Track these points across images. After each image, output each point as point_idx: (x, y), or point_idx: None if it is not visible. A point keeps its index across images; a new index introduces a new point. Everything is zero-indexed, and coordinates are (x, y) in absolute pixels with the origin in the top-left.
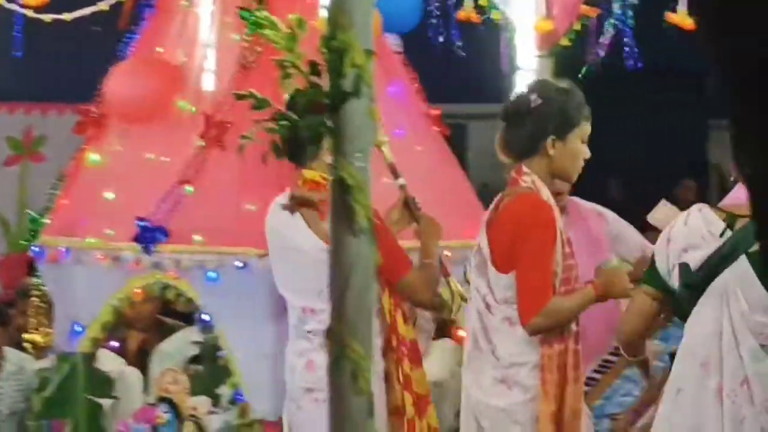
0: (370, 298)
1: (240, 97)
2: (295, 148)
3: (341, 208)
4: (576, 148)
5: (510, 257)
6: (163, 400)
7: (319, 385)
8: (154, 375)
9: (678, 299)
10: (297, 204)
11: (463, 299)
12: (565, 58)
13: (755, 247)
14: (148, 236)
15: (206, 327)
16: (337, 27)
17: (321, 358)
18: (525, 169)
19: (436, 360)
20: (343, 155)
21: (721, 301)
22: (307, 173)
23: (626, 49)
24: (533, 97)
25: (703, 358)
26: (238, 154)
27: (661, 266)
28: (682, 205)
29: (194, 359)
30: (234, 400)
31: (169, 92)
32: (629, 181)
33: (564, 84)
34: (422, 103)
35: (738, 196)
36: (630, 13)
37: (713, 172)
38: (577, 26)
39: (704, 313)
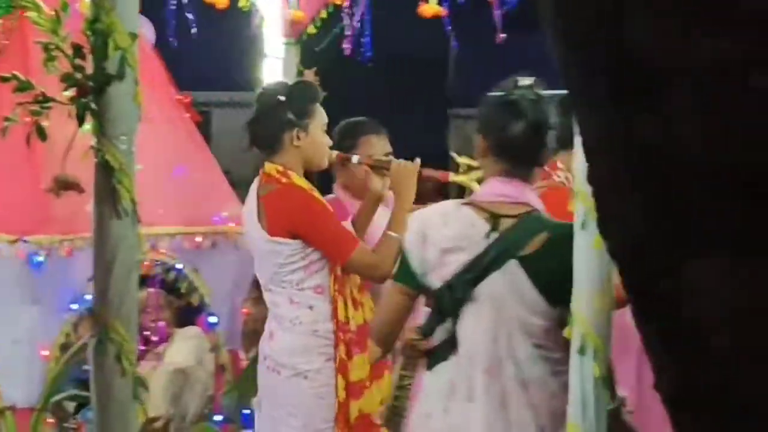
0: (133, 280)
1: (4, 79)
2: (262, 140)
3: (105, 190)
4: None
5: None
6: None
7: (273, 356)
8: None
9: (439, 299)
10: (257, 195)
11: None
12: (311, 45)
13: (526, 251)
14: None
15: None
16: (101, 9)
17: (277, 330)
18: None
19: (180, 348)
20: (107, 138)
21: (493, 307)
22: (267, 166)
23: (365, 38)
24: None
25: (485, 364)
26: None
27: (414, 265)
28: (424, 199)
29: None
30: None
31: None
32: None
33: None
34: (173, 90)
35: (489, 192)
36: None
37: (453, 162)
38: (324, 14)
39: (479, 319)
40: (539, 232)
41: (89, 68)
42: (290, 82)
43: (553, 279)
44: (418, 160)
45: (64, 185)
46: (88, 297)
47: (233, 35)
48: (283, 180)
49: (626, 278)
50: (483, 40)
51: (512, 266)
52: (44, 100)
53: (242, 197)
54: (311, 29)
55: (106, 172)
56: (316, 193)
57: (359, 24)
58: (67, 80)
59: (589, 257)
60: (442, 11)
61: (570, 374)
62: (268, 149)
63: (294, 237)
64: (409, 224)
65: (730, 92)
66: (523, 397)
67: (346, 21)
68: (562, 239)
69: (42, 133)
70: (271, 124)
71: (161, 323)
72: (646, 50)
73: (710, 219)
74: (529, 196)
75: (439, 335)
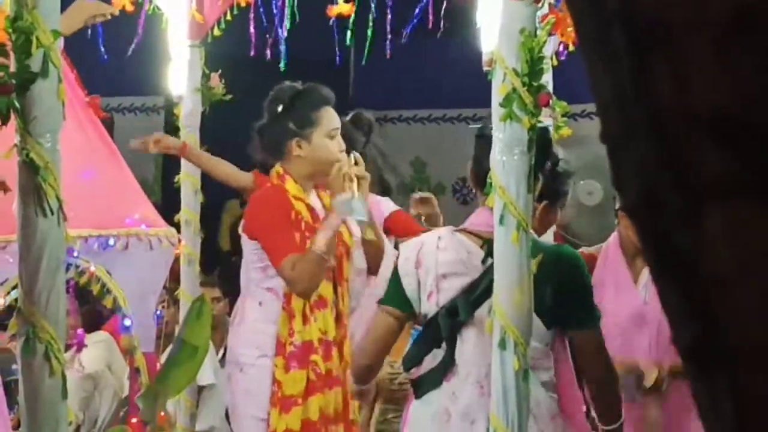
0: (60, 279)
1: None
2: (268, 148)
3: (30, 188)
4: None
5: None
6: None
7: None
8: None
9: (434, 325)
10: None
11: None
12: (216, 47)
13: None
14: None
15: None
16: (23, 7)
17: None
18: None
19: (88, 353)
20: (31, 136)
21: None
22: (274, 168)
23: (280, 42)
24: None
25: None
26: None
27: (409, 289)
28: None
29: None
30: None
31: None
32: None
33: None
34: (82, 91)
35: (479, 220)
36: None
37: None
38: (229, 15)
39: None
40: (534, 254)
41: (12, 66)
42: (298, 88)
43: (548, 300)
44: (352, 158)
45: None
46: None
47: (136, 38)
48: (275, 182)
49: (643, 235)
50: (382, 45)
51: None
52: None
53: None
54: (216, 31)
55: (30, 171)
56: (304, 200)
57: (267, 26)
58: None
59: (508, 251)
60: (350, 10)
61: (492, 368)
62: (274, 158)
63: (252, 238)
64: (402, 250)
65: (742, 43)
66: (528, 417)
67: (252, 22)
68: (555, 261)
69: None
70: (273, 133)
71: (78, 330)
72: (657, 4)
73: (723, 167)
74: None
75: (426, 363)
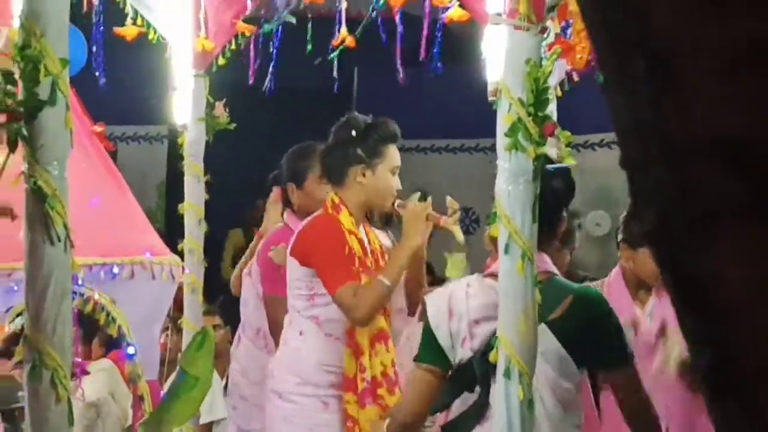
0: (66, 306)
1: None
2: (330, 172)
3: (38, 216)
4: None
5: None
6: None
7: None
8: None
9: (467, 369)
10: None
11: None
12: (220, 77)
13: (554, 315)
14: None
15: None
16: (31, 35)
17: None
18: None
19: (92, 381)
20: (39, 164)
21: None
22: (330, 195)
23: (272, 70)
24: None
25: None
26: None
27: (443, 342)
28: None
29: None
30: None
31: None
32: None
33: None
34: (87, 120)
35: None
36: (278, 32)
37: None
38: (233, 45)
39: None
40: (564, 295)
41: (20, 94)
42: (370, 120)
43: (580, 340)
44: (429, 200)
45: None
46: None
47: (140, 68)
48: (330, 211)
49: (660, 261)
50: (386, 75)
51: (542, 330)
52: None
53: None
54: (221, 60)
55: (38, 198)
56: (357, 234)
57: (269, 55)
58: None
59: (513, 281)
60: (353, 42)
61: (495, 398)
62: (334, 181)
63: (304, 264)
64: (430, 302)
65: (754, 71)
66: None
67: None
68: (585, 301)
69: None
70: (339, 157)
71: (77, 358)
72: (668, 34)
73: (732, 192)
74: (546, 261)
75: (454, 407)
